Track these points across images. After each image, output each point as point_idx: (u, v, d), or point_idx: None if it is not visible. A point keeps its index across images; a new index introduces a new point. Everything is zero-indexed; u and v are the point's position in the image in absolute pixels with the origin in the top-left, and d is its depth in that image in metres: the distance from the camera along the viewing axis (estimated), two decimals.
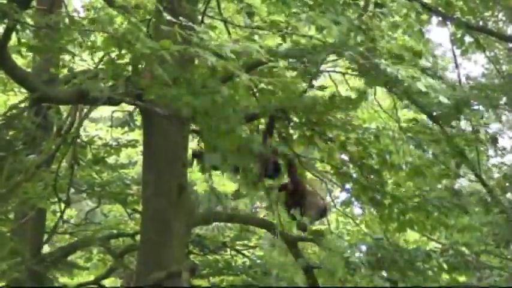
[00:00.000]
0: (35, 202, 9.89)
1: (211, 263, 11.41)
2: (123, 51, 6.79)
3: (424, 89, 6.73)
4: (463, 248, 9.95)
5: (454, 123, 9.24)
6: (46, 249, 12.03)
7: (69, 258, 11.29)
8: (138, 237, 10.01)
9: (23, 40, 8.08)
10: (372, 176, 9.25)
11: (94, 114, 13.16)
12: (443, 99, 6.90)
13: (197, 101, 6.46)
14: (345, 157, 9.51)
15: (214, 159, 7.01)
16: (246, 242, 12.63)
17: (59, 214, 11.29)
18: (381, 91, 10.61)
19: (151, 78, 6.82)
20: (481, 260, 9.83)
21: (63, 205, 10.94)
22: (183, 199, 8.77)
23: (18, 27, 7.11)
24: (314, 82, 8.45)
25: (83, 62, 9.99)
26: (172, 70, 6.52)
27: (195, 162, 8.75)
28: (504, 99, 9.69)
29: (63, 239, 13.64)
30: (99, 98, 7.37)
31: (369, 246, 9.49)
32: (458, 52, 11.20)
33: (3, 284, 10.12)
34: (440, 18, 10.47)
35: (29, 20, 7.41)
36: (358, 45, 7.32)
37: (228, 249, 12.11)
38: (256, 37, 8.11)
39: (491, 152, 10.98)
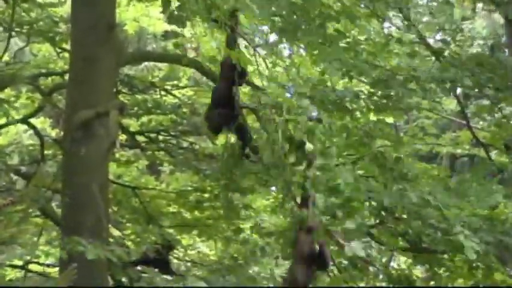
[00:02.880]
0: None
1: (140, 102, 11.48)
2: None
3: None
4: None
5: None
6: None
7: None
8: (66, 76, 10.00)
9: None
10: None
11: None
12: None
13: None
14: None
15: None
16: (175, 82, 12.67)
17: None
18: None
19: None
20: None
21: None
22: (112, 37, 8.76)
23: None
24: None
25: None
26: None
27: None
28: None
29: None
30: None
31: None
32: None
33: None
34: None
35: None
36: None
37: (157, 89, 12.16)
38: None
39: None
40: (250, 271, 11.51)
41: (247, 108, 9.35)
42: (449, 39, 9.83)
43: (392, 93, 9.28)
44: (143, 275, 10.48)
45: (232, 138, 11.28)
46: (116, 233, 12.16)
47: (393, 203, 8.24)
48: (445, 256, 9.73)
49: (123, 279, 9.87)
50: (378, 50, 9.29)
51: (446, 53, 9.26)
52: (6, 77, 10.87)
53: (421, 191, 8.13)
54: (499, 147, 10.65)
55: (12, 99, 11.73)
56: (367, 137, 9.35)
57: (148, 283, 8.88)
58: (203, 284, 9.35)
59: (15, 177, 12.40)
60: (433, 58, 9.48)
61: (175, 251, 11.88)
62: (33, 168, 11.62)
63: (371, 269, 10.66)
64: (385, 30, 10.48)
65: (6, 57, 11.68)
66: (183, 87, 12.62)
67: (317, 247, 8.05)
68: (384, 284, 10.69)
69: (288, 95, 9.55)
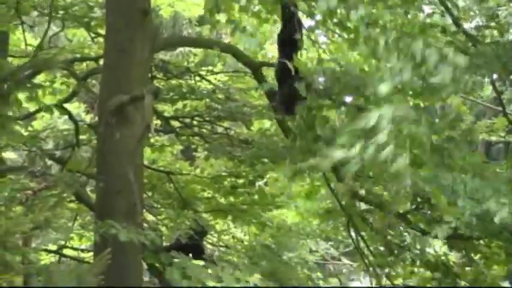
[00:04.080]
0: None
1: (174, 87, 11.47)
2: None
3: None
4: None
5: None
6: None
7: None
8: (101, 62, 10.02)
9: None
10: None
11: None
12: None
13: None
14: None
15: None
16: (210, 67, 12.65)
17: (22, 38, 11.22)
18: None
19: None
20: None
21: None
22: (146, 23, 8.75)
23: None
24: None
25: None
26: None
27: None
28: None
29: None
30: None
31: (330, 71, 9.41)
32: None
33: None
34: None
35: None
36: None
37: (192, 75, 12.15)
38: None
39: None
40: (284, 257, 11.51)
41: None
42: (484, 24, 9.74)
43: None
44: (175, 260, 10.51)
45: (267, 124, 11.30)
46: (150, 218, 12.20)
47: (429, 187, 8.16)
48: (481, 242, 9.65)
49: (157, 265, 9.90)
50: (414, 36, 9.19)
51: (482, 39, 9.15)
52: (41, 62, 10.89)
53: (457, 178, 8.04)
54: None
55: (47, 84, 11.76)
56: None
57: (180, 267, 8.86)
58: (236, 271, 9.34)
59: (50, 162, 12.48)
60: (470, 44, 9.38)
61: (209, 236, 11.89)
62: (68, 153, 11.66)
63: (407, 255, 10.61)
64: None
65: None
66: (217, 73, 12.59)
67: None
68: (421, 270, 10.64)
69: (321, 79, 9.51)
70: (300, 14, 8.77)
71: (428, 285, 10.77)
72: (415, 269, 10.79)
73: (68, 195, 8.45)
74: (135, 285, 8.50)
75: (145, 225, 10.16)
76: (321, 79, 9.35)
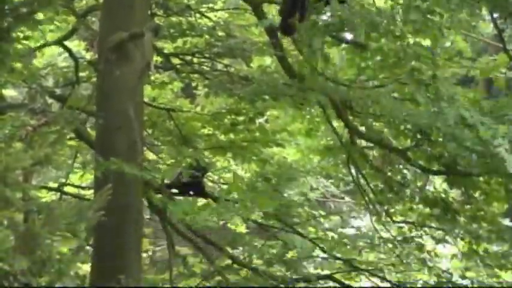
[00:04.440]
0: None
1: (174, 24, 11.38)
2: None
3: None
4: None
5: None
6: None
7: None
8: None
9: None
10: None
11: None
12: None
13: None
14: None
15: None
16: (210, 5, 12.54)
17: None
18: None
19: None
20: None
21: None
22: None
23: None
24: None
25: None
26: None
27: None
28: None
29: None
30: None
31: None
32: None
33: None
34: None
35: None
36: None
37: (192, 12, 12.04)
38: None
39: None
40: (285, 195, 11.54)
41: None
42: None
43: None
44: (177, 197, 10.57)
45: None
46: (151, 156, 12.23)
47: (429, 124, 8.16)
48: (481, 179, 9.68)
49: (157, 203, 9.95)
50: None
51: None
52: None
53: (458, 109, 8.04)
54: None
55: (47, 21, 11.67)
56: (403, 59, 9.23)
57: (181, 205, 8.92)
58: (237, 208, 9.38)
59: (50, 101, 12.45)
60: None
61: (209, 173, 11.92)
62: (68, 91, 11.65)
63: (407, 192, 10.66)
64: None
65: None
66: (218, 10, 12.49)
67: None
68: (420, 206, 10.69)
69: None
70: None
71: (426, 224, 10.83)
72: (414, 206, 10.84)
73: (67, 132, 8.44)
74: (136, 223, 8.55)
75: (145, 163, 10.20)
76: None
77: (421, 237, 10.91)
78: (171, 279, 10.77)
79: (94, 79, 10.72)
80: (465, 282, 10.72)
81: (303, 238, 11.05)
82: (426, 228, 10.77)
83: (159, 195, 9.91)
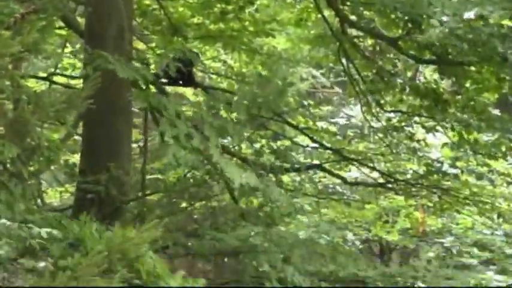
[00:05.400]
0: None
1: None
2: None
3: None
4: None
5: None
6: None
7: None
8: None
9: None
10: None
11: None
12: None
13: None
14: None
15: None
16: None
17: None
18: None
19: None
20: None
21: None
22: None
23: None
24: None
25: None
26: None
27: None
28: None
29: None
30: None
31: None
32: None
33: None
34: None
35: None
36: None
37: None
38: None
39: None
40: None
41: None
42: None
43: None
44: (167, 87, 10.48)
45: None
46: (140, 46, 12.11)
47: (420, 12, 8.06)
48: (472, 68, 9.59)
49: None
50: None
51: None
52: None
53: None
54: None
55: None
56: None
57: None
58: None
59: None
60: None
61: (199, 63, 11.80)
62: None
63: (397, 81, 10.59)
64: None
65: None
66: None
67: None
68: (410, 98, 10.62)
69: None
70: None
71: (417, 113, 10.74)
72: (405, 97, 10.78)
73: (56, 19, 8.33)
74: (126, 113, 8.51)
75: (134, 52, 10.10)
76: None
77: (411, 126, 10.87)
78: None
79: None
80: (455, 171, 10.76)
81: (293, 128, 10.99)
82: (417, 118, 10.71)
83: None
